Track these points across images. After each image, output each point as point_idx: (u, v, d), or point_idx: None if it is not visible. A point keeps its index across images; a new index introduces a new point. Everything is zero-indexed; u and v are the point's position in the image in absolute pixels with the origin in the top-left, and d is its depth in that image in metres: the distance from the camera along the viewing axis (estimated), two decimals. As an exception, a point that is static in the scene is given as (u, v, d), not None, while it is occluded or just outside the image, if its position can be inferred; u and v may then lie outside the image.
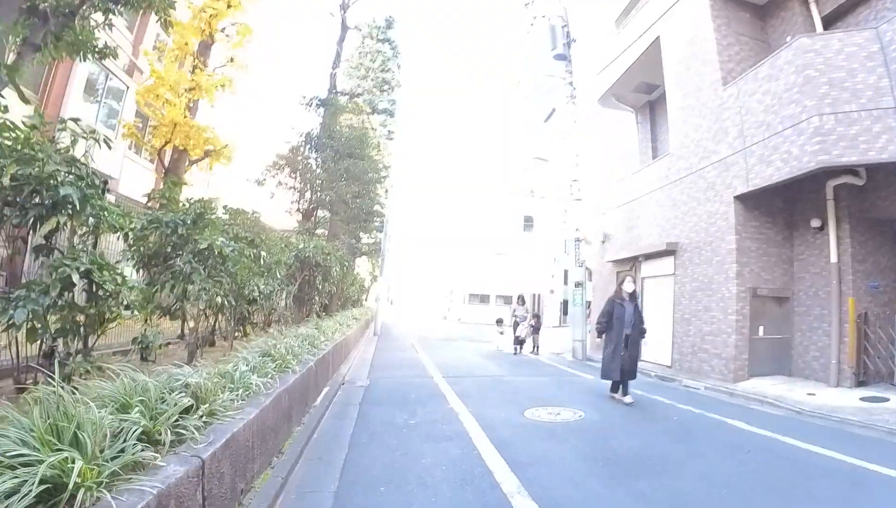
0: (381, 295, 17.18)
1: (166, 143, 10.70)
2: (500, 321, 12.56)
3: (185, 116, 10.58)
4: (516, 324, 12.74)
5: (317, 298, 10.60)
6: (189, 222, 4.16)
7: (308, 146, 11.06)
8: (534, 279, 33.31)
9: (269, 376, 3.73)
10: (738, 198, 8.88)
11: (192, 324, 4.66)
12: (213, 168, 14.09)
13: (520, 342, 12.51)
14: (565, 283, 40.41)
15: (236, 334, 6.87)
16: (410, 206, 46.79)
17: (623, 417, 5.48)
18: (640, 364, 6.89)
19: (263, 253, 6.04)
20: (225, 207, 8.01)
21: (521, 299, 13.37)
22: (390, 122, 15.50)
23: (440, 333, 19.41)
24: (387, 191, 15.49)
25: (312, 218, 11.64)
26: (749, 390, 7.46)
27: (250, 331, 7.73)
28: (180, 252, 4.03)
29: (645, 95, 14.56)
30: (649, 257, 11.83)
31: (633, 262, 12.55)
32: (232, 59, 11.75)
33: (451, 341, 15.51)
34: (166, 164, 11.99)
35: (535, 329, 12.85)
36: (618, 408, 5.95)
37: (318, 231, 12.77)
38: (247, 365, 3.61)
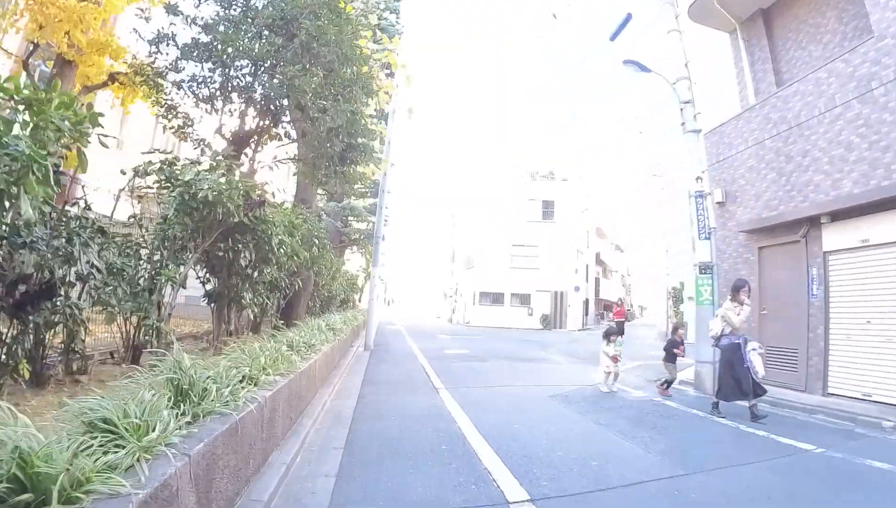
0: (374, 293, 11.97)
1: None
2: (611, 335, 7.17)
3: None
4: (676, 346, 7.47)
5: (248, 296, 5.43)
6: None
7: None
8: (555, 274, 28.23)
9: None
10: None
11: None
12: (127, 105, 8.89)
13: (668, 383, 7.28)
14: (586, 280, 35.43)
15: None
16: (411, 191, 41.74)
17: None
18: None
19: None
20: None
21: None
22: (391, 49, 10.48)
23: (455, 345, 14.16)
24: (383, 113, 10.24)
25: (254, 143, 6.43)
26: None
27: None
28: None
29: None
30: (847, 213, 6.74)
31: (804, 227, 7.45)
32: None
33: (481, 360, 10.32)
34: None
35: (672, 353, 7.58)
36: None
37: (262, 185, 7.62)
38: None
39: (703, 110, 9.52)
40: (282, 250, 5.49)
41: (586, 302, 33.55)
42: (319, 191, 19.83)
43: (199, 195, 3.94)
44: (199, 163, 4.90)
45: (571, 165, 31.48)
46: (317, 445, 3.94)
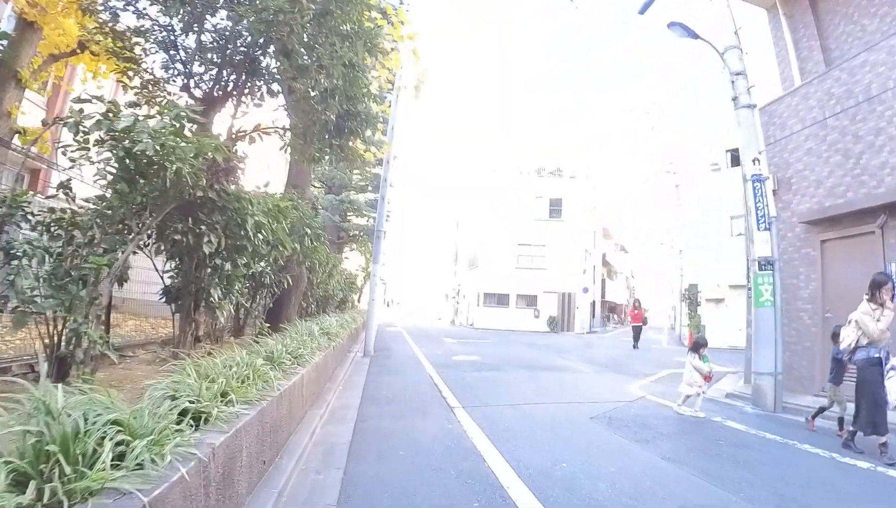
0: (375, 293, 10.84)
1: None
2: (700, 346, 5.78)
3: None
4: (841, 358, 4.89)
5: (217, 293, 4.28)
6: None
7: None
8: (563, 275, 27.10)
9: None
10: None
11: None
12: (98, 78, 7.82)
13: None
14: (593, 281, 34.29)
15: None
16: (413, 188, 40.69)
17: None
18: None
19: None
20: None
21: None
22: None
23: (463, 350, 13.01)
24: (387, 90, 9.05)
25: (233, 106, 5.27)
26: None
27: None
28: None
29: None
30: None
31: (880, 216, 6.32)
32: None
33: (495, 369, 9.17)
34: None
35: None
36: None
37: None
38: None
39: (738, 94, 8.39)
40: (260, 237, 4.34)
41: (592, 304, 32.42)
42: (316, 183, 18.66)
43: (138, 149, 2.80)
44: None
45: (577, 156, 30.38)
46: (300, 501, 2.79)
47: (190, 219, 3.90)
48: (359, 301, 24.32)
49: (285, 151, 6.19)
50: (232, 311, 5.34)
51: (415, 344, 13.80)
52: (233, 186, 4.17)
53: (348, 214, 18.22)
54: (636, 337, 15.83)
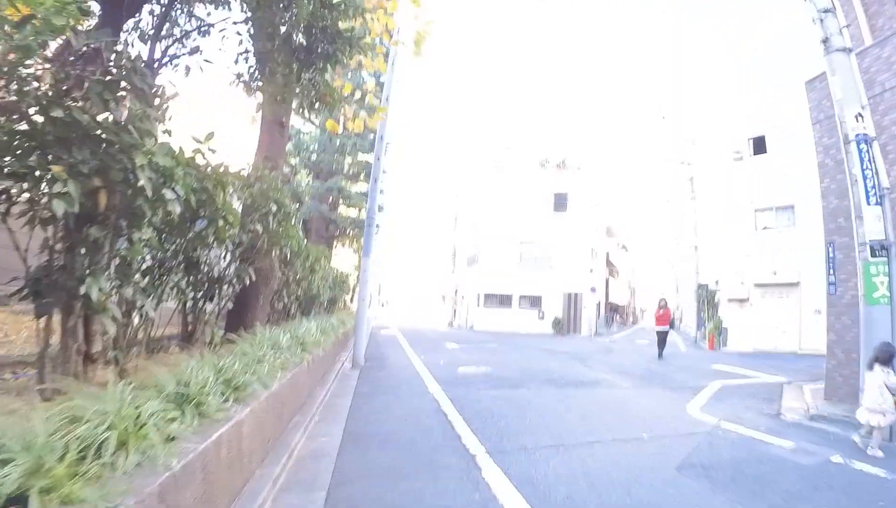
0: (366, 292, 9.17)
1: None
2: (885, 358, 4.20)
3: None
4: None
5: (98, 286, 2.46)
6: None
7: None
8: (569, 274, 25.50)
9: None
10: None
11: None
12: None
13: None
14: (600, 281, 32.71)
15: None
16: (408, 180, 39.10)
17: None
18: None
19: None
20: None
21: None
22: None
23: (469, 358, 11.31)
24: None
25: (158, 16, 3.53)
26: None
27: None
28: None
29: None
30: None
31: None
32: None
33: (514, 386, 7.46)
34: None
35: None
36: None
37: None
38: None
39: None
40: (169, 193, 2.63)
41: (598, 305, 30.84)
42: (307, 176, 16.87)
43: None
44: None
45: (584, 147, 28.75)
46: None
47: (38, 153, 2.20)
48: (351, 302, 22.44)
49: (237, 85, 4.44)
50: (116, 319, 3.63)
51: (412, 351, 12.09)
52: (111, 107, 2.45)
53: (340, 204, 16.44)
54: (661, 344, 12.58)
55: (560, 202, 26.60)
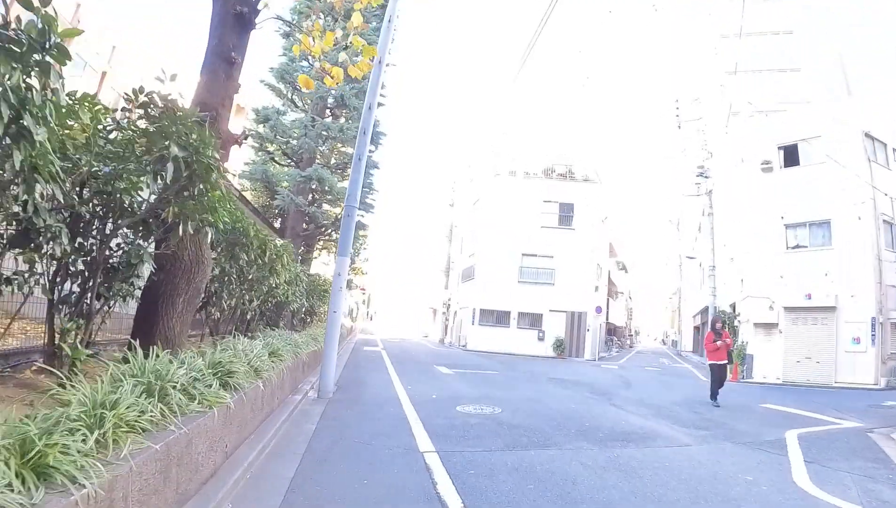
0: (339, 301, 7.02)
1: None
2: None
3: None
4: None
5: None
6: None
7: None
8: (572, 292, 23.53)
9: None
10: None
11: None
12: None
13: None
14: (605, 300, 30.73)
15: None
16: (398, 187, 37.18)
17: None
18: None
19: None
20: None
21: None
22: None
23: (469, 389, 9.16)
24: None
25: None
26: None
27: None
28: None
29: None
30: None
31: None
32: None
33: (542, 446, 5.28)
34: None
35: None
36: None
37: None
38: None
39: None
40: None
41: (600, 326, 28.84)
42: (281, 159, 14.64)
43: None
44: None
45: (592, 157, 27.04)
46: None
47: None
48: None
49: None
50: None
51: (398, 377, 9.92)
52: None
53: (318, 197, 14.30)
54: (717, 383, 9.03)
55: (565, 214, 24.78)
